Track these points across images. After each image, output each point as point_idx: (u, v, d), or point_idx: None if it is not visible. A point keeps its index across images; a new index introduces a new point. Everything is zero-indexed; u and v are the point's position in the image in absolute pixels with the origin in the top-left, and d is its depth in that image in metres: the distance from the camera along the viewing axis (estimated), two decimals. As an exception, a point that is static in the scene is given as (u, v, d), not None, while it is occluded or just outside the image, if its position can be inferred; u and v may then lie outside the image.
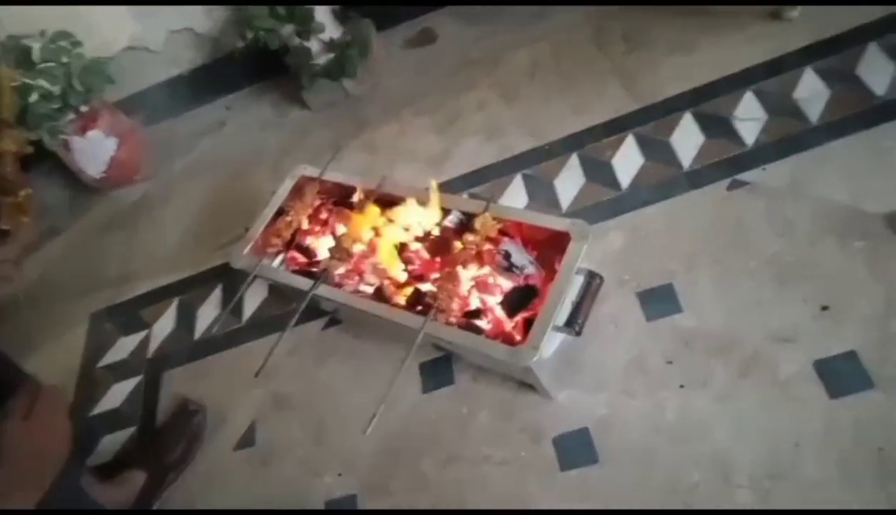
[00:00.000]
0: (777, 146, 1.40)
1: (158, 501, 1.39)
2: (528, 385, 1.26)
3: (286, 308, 1.63)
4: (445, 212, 1.29)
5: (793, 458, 1.04)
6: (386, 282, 1.29)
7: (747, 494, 1.04)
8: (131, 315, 1.84)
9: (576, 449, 1.18)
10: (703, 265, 1.29)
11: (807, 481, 1.02)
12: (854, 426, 1.04)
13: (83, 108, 1.95)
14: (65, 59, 1.83)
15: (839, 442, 1.04)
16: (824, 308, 1.16)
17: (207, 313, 1.74)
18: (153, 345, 1.74)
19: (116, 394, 1.67)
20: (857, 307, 1.14)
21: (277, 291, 1.66)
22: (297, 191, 1.46)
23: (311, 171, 1.49)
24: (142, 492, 1.35)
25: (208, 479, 1.43)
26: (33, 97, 1.78)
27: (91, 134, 2.02)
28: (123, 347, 1.78)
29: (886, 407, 1.04)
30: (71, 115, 1.94)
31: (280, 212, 1.44)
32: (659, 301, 1.28)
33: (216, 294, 1.76)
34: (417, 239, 1.34)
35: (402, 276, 1.31)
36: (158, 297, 1.84)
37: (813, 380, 1.10)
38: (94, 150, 2.07)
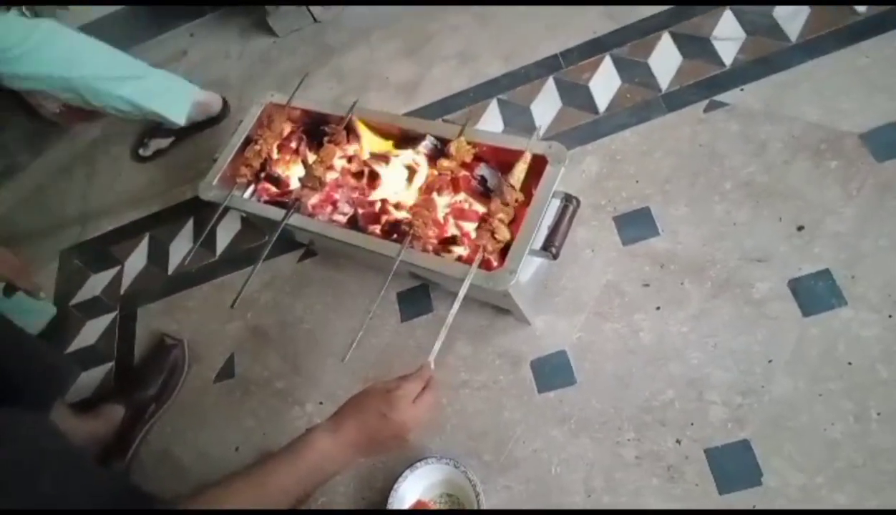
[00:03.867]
0: (755, 66, 1.37)
1: (141, 435, 1.40)
2: (505, 311, 1.27)
3: (260, 241, 1.61)
4: (419, 138, 1.26)
5: (765, 375, 1.07)
6: (360, 211, 1.27)
7: (720, 410, 1.06)
8: (101, 252, 1.81)
9: (553, 372, 1.19)
10: (680, 188, 1.29)
11: (778, 396, 1.05)
12: (825, 342, 1.06)
13: (36, 37, 1.85)
14: (10, -19, 1.72)
15: (810, 359, 1.06)
16: (799, 228, 1.17)
17: (180, 248, 1.71)
18: (126, 282, 1.71)
19: (91, 332, 1.65)
20: (831, 226, 1.15)
21: (251, 224, 1.63)
22: (266, 120, 1.41)
23: (278, 98, 1.43)
24: (121, 426, 1.35)
25: (190, 412, 1.43)
26: (-21, 24, 1.67)
27: (46, 64, 1.92)
28: (95, 284, 1.75)
29: (857, 324, 1.06)
30: (22, 44, 1.84)
31: (248, 142, 1.39)
32: (635, 225, 1.28)
33: (188, 228, 1.73)
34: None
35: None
36: (128, 233, 1.81)
37: (787, 299, 1.11)
38: (50, 82, 1.97)
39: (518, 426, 1.17)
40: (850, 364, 1.04)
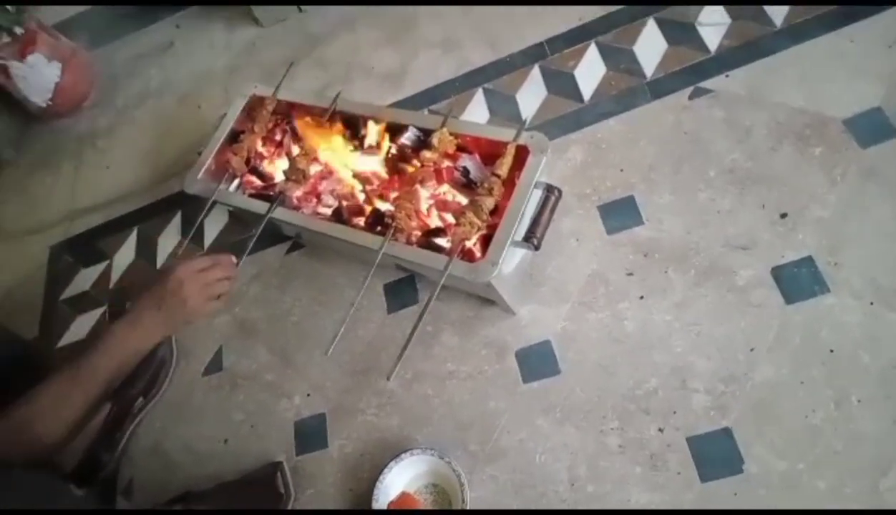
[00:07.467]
0: (740, 51, 1.36)
1: (129, 431, 1.40)
2: (490, 301, 1.27)
3: (247, 234, 1.60)
4: (402, 128, 1.26)
5: (748, 362, 1.07)
6: (344, 203, 1.27)
7: (703, 398, 1.07)
8: (90, 247, 1.80)
9: (538, 362, 1.20)
10: (664, 176, 1.28)
11: (760, 383, 1.05)
12: (808, 329, 1.06)
13: (17, 30, 1.84)
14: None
15: (793, 346, 1.06)
16: (783, 215, 1.16)
17: (168, 242, 1.70)
18: (115, 276, 1.71)
19: (80, 327, 1.65)
20: (815, 212, 1.15)
21: (238, 217, 1.63)
22: (250, 112, 1.41)
23: (262, 90, 1.43)
24: (107, 422, 1.35)
25: (178, 406, 1.43)
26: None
27: (31, 58, 1.91)
28: (85, 279, 1.74)
29: (839, 311, 1.06)
30: (5, 38, 1.83)
31: (233, 134, 1.39)
32: (620, 213, 1.28)
33: (175, 222, 1.72)
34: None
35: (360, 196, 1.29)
36: (116, 228, 1.80)
37: (770, 286, 1.11)
38: (36, 76, 1.96)
39: (503, 416, 1.18)
40: (832, 351, 1.04)
